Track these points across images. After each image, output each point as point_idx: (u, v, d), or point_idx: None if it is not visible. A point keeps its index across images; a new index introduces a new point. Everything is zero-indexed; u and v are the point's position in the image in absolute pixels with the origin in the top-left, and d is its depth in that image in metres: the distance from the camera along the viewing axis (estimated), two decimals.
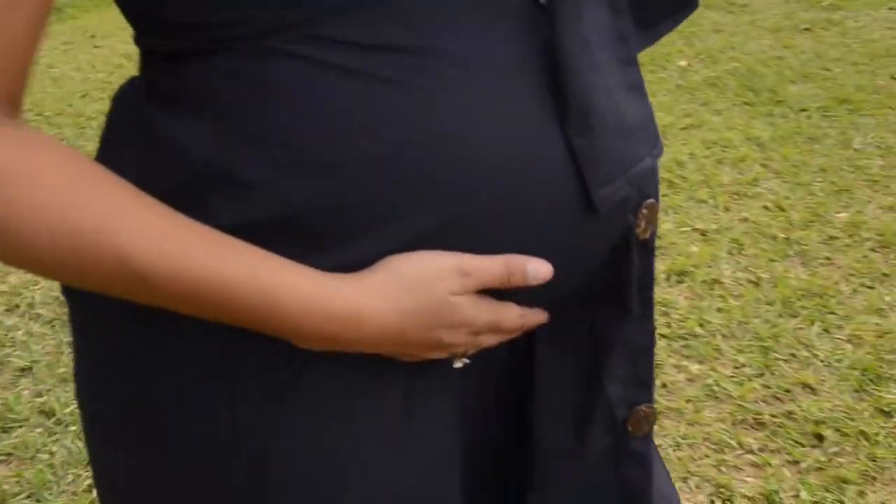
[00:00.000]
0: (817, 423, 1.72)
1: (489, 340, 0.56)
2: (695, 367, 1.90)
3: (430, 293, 0.51)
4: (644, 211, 0.58)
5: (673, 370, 1.90)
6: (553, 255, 0.54)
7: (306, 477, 0.55)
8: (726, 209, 2.61)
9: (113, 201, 0.47)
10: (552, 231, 0.53)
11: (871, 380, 1.85)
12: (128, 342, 0.55)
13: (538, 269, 0.53)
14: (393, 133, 0.49)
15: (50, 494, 1.65)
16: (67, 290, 0.59)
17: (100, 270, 0.47)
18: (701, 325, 2.05)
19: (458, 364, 0.58)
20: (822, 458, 1.63)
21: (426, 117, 0.49)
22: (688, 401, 1.80)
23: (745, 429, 1.74)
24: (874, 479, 1.60)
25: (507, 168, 0.51)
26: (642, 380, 0.65)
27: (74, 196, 0.47)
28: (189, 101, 0.51)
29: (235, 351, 0.52)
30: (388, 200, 0.49)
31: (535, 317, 0.58)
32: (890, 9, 4.47)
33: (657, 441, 1.61)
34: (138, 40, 0.56)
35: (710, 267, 2.30)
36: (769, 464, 1.63)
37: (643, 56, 0.67)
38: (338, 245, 0.50)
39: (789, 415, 1.76)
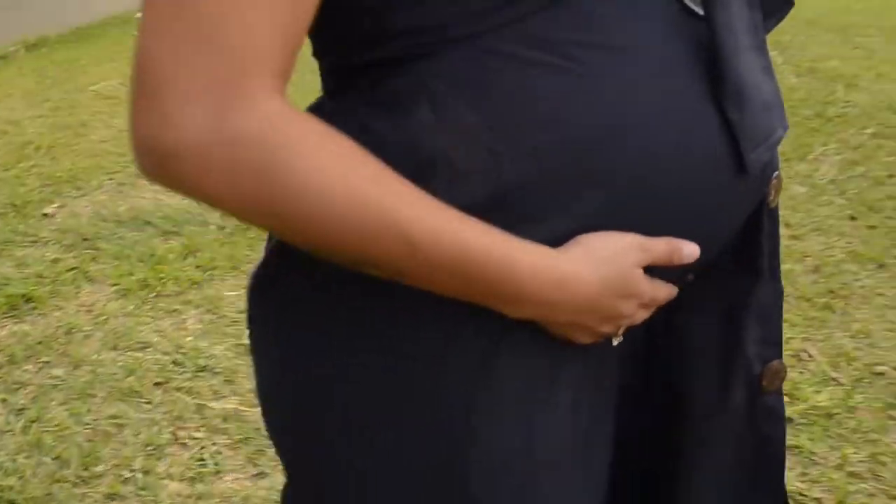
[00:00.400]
0: None
1: (644, 315, 0.62)
2: None
3: (620, 264, 0.57)
4: (774, 181, 0.66)
5: None
6: (704, 221, 0.61)
7: (507, 454, 0.60)
8: None
9: (385, 173, 0.52)
10: (706, 197, 0.60)
11: None
12: (330, 327, 0.59)
13: (692, 250, 0.59)
14: (588, 120, 0.55)
15: None
16: (268, 283, 0.63)
17: (377, 238, 0.51)
18: None
19: (616, 341, 0.63)
20: None
21: (612, 105, 0.56)
22: None
23: None
24: None
25: (682, 143, 0.58)
26: (773, 338, 0.70)
27: (364, 166, 0.51)
28: (406, 103, 0.55)
29: (440, 330, 0.57)
30: (582, 177, 0.55)
31: (674, 292, 0.63)
32: None
33: None
34: (336, 56, 0.60)
35: None
36: None
37: None
38: (537, 221, 0.56)
39: None
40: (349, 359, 0.58)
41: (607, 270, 0.56)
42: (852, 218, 2.82)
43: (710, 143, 0.59)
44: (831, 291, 2.38)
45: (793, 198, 2.97)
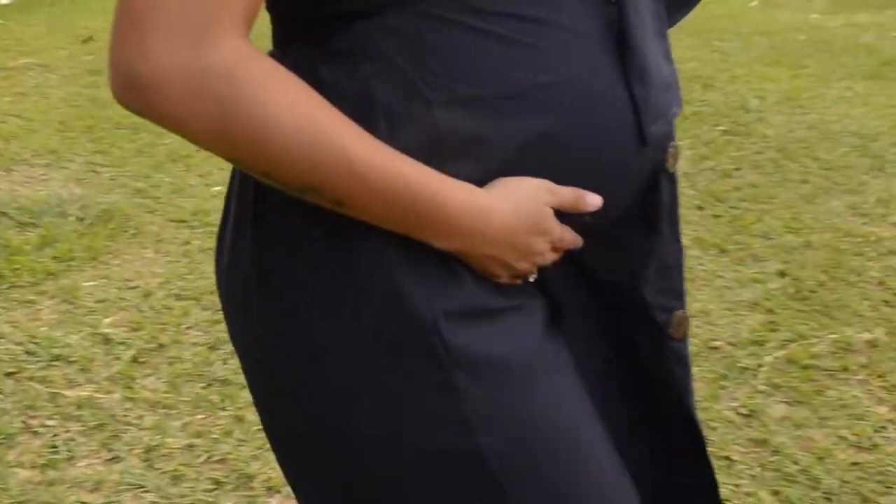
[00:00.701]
0: None
1: (553, 257, 0.68)
2: None
3: (532, 202, 0.64)
4: (671, 150, 0.73)
5: None
6: (606, 179, 0.67)
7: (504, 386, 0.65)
8: None
9: (334, 109, 0.59)
10: (610, 158, 0.67)
11: None
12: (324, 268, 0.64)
13: (595, 200, 0.66)
14: (512, 78, 0.62)
15: None
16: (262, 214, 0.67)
17: (322, 162, 0.57)
18: None
19: (531, 278, 0.68)
20: None
21: (534, 68, 0.63)
22: None
23: None
24: None
25: (591, 106, 0.65)
26: (676, 290, 0.77)
27: (314, 101, 0.58)
28: (356, 56, 0.61)
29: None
30: (501, 129, 0.63)
31: (579, 241, 0.69)
32: None
33: None
34: (288, 9, 0.65)
35: None
36: None
37: None
38: (457, 165, 0.62)
39: None
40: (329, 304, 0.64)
41: (523, 206, 0.63)
42: (699, 208, 3.01)
43: (616, 112, 0.67)
44: None
45: None
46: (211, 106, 0.55)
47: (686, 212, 2.91)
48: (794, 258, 2.67)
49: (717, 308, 2.35)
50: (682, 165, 3.28)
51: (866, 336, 2.25)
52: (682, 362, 0.77)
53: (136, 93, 0.55)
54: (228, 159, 0.62)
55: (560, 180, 0.65)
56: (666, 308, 0.75)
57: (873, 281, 2.55)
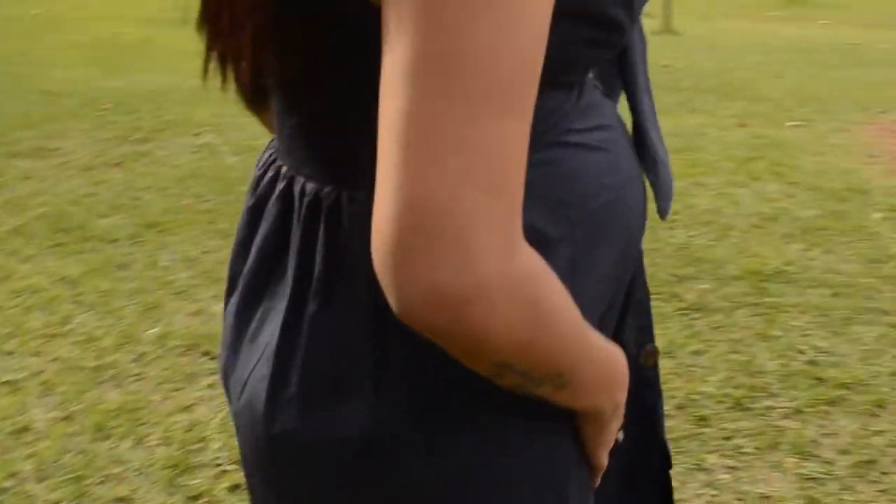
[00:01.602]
0: None
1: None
2: None
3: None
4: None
5: None
6: (636, 250, 0.74)
7: None
8: (36, 354, 2.63)
9: (580, 316, 0.58)
10: (640, 235, 0.73)
11: (180, 473, 2.05)
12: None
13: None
14: (606, 180, 0.66)
15: None
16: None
17: (576, 349, 0.58)
18: (12, 476, 2.06)
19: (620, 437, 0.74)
20: None
21: (621, 169, 0.68)
22: None
23: None
24: None
25: (637, 194, 0.71)
26: (647, 327, 0.81)
27: (570, 298, 0.56)
28: None
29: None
30: (603, 227, 0.65)
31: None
32: (194, 135, 5.17)
33: None
34: None
35: (19, 416, 2.31)
36: None
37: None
38: (590, 254, 0.65)
39: None
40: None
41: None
42: None
43: (644, 196, 0.72)
44: None
45: None
46: (523, 311, 0.51)
47: None
48: None
49: None
50: None
51: None
52: (653, 387, 0.83)
53: (455, 311, 0.49)
54: (498, 361, 0.55)
55: (616, 257, 0.69)
56: (639, 343, 0.79)
57: None
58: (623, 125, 0.74)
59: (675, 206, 3.23)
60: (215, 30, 0.64)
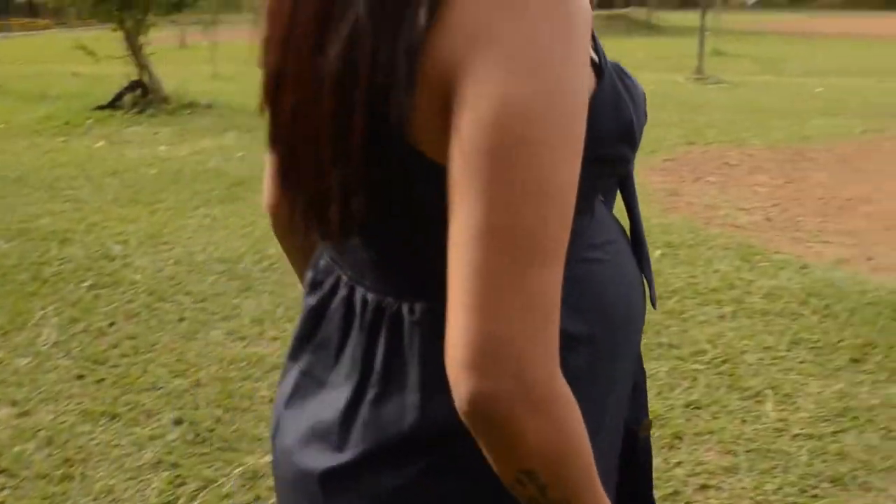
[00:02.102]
0: None
1: None
2: None
3: None
4: None
5: None
6: (638, 342, 0.87)
7: None
8: None
9: (593, 461, 0.69)
10: (642, 327, 0.88)
11: None
12: None
13: None
14: (622, 289, 0.81)
15: None
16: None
17: (584, 467, 0.67)
18: None
19: None
20: None
21: (627, 275, 0.83)
22: None
23: None
24: None
25: (637, 292, 0.85)
26: (644, 405, 0.95)
27: (590, 450, 0.68)
28: None
29: None
30: (614, 326, 0.80)
31: None
32: None
33: None
34: None
35: None
36: None
37: None
38: (575, 354, 0.75)
39: None
40: None
41: None
42: (80, 377, 2.80)
43: (642, 291, 0.87)
44: (68, 460, 2.31)
45: (16, 372, 2.86)
46: (559, 423, 0.64)
47: (66, 385, 2.75)
48: (186, 401, 2.60)
49: (121, 481, 2.20)
50: (50, 335, 3.02)
51: (269, 458, 2.31)
52: (647, 451, 0.96)
53: (507, 412, 0.63)
54: (526, 468, 0.66)
55: (621, 352, 0.83)
56: (637, 419, 0.92)
57: (264, 401, 2.59)
58: (623, 232, 0.87)
59: None
60: (298, 177, 0.74)
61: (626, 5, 46.30)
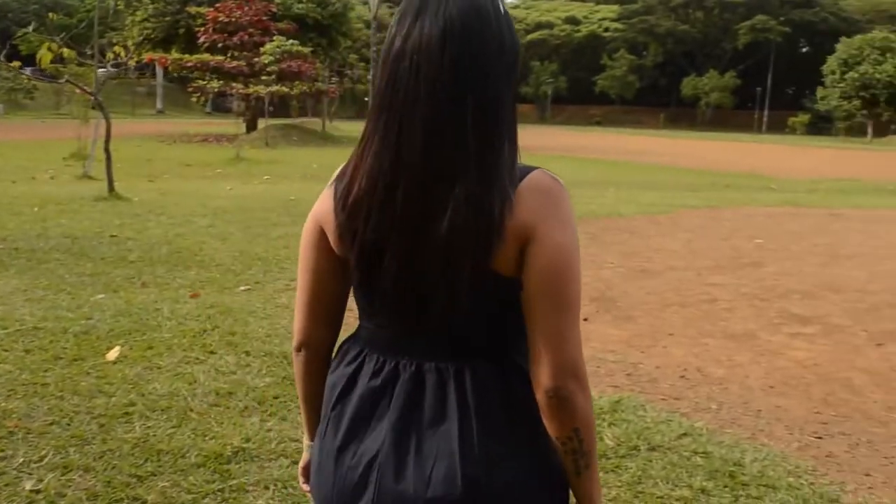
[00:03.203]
0: None
1: None
2: None
3: None
4: None
5: None
6: None
7: None
8: None
9: None
10: None
11: None
12: None
13: None
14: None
15: None
16: None
17: (593, 445, 1.36)
18: None
19: None
20: None
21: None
22: None
23: None
24: None
25: None
26: None
27: None
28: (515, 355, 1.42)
29: None
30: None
31: None
32: None
33: None
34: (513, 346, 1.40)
35: None
36: None
37: None
38: None
39: None
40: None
41: None
42: None
43: None
44: None
45: None
46: (590, 405, 1.32)
47: None
48: None
49: None
50: None
51: None
52: None
53: (575, 401, 1.31)
54: (575, 426, 1.34)
55: None
56: None
57: None
58: None
59: (130, 396, 3.98)
60: (419, 313, 1.34)
61: (301, 115, 47.98)
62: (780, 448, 4.19)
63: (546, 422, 1.34)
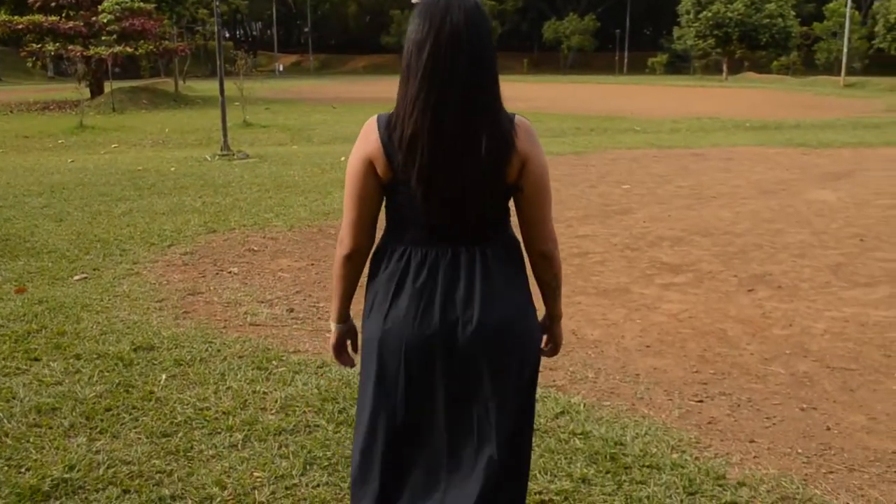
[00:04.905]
0: None
1: None
2: None
3: None
4: None
5: None
6: None
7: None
8: None
9: None
10: None
11: None
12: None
13: None
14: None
15: None
16: None
17: (561, 276, 2.31)
18: None
19: None
20: None
21: None
22: None
23: None
24: None
25: None
26: None
27: None
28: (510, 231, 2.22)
29: None
30: None
31: None
32: None
33: None
34: (502, 226, 2.19)
35: None
36: None
37: None
38: None
39: None
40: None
41: None
42: None
43: None
44: None
45: None
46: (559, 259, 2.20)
47: None
48: None
49: None
50: None
51: None
52: None
53: (557, 254, 2.20)
54: (559, 270, 2.23)
55: None
56: None
57: None
58: None
59: None
60: (446, 208, 2.03)
61: (153, 76, 46.25)
62: (662, 418, 4.02)
63: (538, 271, 2.23)
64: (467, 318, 2.03)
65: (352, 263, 2.18)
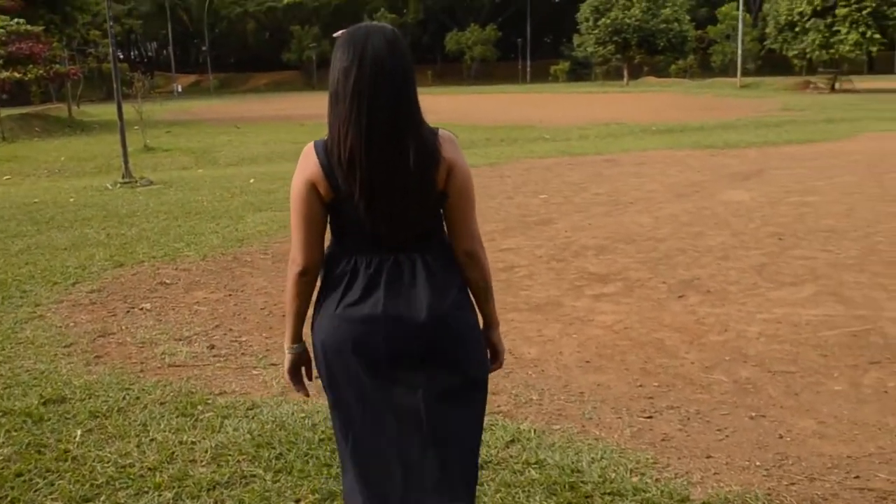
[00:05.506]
0: None
1: None
2: None
3: None
4: None
5: None
6: None
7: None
8: None
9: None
10: None
11: None
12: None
13: None
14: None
15: None
16: None
17: (489, 279, 2.41)
18: None
19: None
20: None
21: None
22: None
23: None
24: None
25: None
26: None
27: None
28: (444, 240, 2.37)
29: None
30: None
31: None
32: None
33: None
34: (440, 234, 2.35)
35: None
36: None
37: None
38: None
39: None
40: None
41: None
42: None
43: None
44: None
45: None
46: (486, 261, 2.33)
47: None
48: None
49: None
50: None
51: None
52: None
53: (483, 256, 2.34)
54: (487, 274, 2.38)
55: None
56: None
57: None
58: None
59: None
60: (389, 220, 2.22)
61: (44, 102, 43.99)
62: (615, 439, 3.93)
63: (466, 272, 2.35)
64: (411, 314, 2.20)
65: (306, 280, 2.30)
